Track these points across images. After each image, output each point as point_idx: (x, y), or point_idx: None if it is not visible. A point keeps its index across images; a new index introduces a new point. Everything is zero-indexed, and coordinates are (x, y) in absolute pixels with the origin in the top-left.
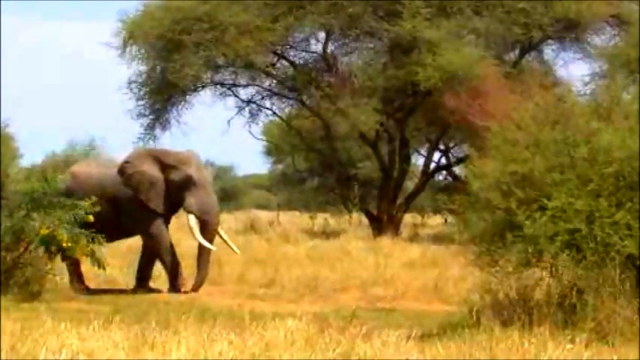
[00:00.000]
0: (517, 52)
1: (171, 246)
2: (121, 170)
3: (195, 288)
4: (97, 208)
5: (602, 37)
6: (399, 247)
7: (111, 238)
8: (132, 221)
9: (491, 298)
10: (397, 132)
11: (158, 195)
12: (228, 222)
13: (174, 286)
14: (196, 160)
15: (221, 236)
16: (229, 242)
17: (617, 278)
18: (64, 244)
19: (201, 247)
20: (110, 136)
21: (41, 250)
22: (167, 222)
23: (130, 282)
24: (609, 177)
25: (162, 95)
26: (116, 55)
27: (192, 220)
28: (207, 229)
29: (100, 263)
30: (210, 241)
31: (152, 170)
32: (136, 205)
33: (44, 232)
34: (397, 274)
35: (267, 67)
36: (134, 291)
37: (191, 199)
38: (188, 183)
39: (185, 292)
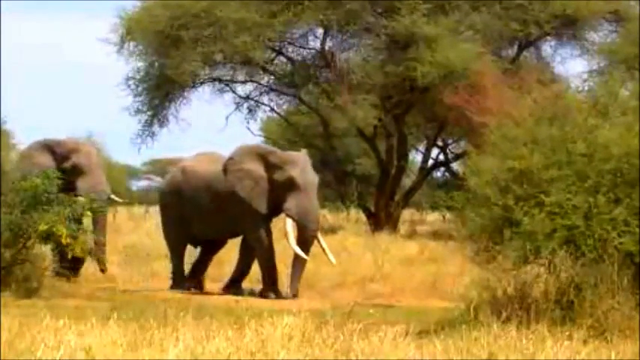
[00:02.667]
0: (515, 48)
1: (271, 248)
2: (225, 167)
3: (294, 292)
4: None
5: (600, 33)
6: (397, 244)
7: (216, 235)
8: (234, 219)
9: (489, 295)
10: (395, 128)
11: (261, 194)
12: None
13: (268, 291)
14: (303, 162)
15: (320, 244)
16: (327, 251)
17: (615, 275)
18: (64, 241)
19: (295, 254)
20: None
21: (43, 247)
22: (269, 223)
23: (128, 279)
24: (607, 173)
25: (160, 91)
26: (114, 51)
27: (289, 224)
28: (305, 235)
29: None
30: (307, 248)
31: (256, 168)
32: (238, 204)
33: (43, 228)
34: (395, 271)
35: (265, 63)
36: (226, 291)
37: (291, 202)
38: (290, 185)
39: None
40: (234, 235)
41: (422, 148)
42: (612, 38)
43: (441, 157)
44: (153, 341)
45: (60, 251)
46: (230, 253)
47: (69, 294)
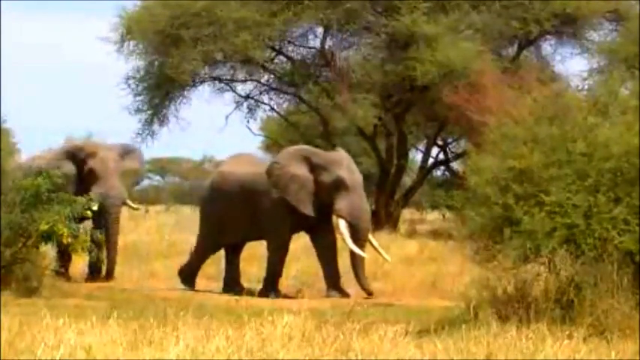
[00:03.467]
0: (515, 47)
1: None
2: (269, 170)
3: (369, 291)
4: (94, 206)
5: (600, 32)
6: (397, 243)
7: (247, 238)
8: (266, 224)
9: (489, 294)
10: (395, 127)
11: (307, 197)
12: None
13: (268, 290)
14: (347, 162)
15: (372, 243)
16: (380, 249)
17: (615, 274)
18: (64, 240)
19: (352, 254)
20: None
21: (43, 246)
22: (321, 225)
23: (127, 278)
24: (607, 172)
25: (160, 90)
26: (114, 50)
27: (343, 225)
28: (358, 234)
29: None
30: (362, 248)
31: (301, 171)
32: (273, 207)
33: (44, 227)
34: (395, 270)
35: (265, 62)
36: (265, 292)
37: (341, 203)
38: (339, 185)
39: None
40: (260, 238)
41: (422, 147)
42: (612, 37)
43: (441, 156)
44: (153, 340)
45: (59, 251)
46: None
47: (69, 293)
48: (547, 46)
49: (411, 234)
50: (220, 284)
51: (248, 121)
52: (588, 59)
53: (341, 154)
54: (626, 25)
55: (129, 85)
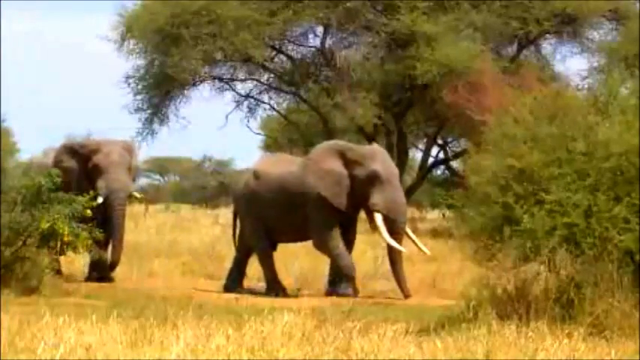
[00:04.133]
0: (515, 46)
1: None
2: (304, 168)
3: (407, 292)
4: (99, 199)
5: (600, 31)
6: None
7: (293, 239)
8: (311, 220)
9: (489, 293)
10: (395, 126)
11: (343, 192)
12: (226, 216)
13: (348, 287)
14: (382, 155)
15: (409, 236)
16: (418, 242)
17: (614, 273)
18: (65, 239)
19: (390, 248)
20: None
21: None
22: (351, 221)
23: (127, 277)
24: (607, 171)
25: (160, 89)
26: (114, 48)
27: (379, 219)
28: (394, 228)
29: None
30: (399, 242)
31: (336, 166)
32: (317, 204)
33: (44, 226)
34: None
35: (265, 61)
36: (350, 292)
37: (377, 197)
38: (374, 179)
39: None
40: (306, 238)
41: (422, 146)
42: (612, 36)
43: (441, 155)
44: (153, 339)
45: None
46: (230, 250)
47: (69, 292)
48: (547, 46)
49: (412, 232)
50: (219, 282)
51: (248, 120)
52: (588, 58)
53: (375, 148)
54: (626, 24)
55: (129, 84)
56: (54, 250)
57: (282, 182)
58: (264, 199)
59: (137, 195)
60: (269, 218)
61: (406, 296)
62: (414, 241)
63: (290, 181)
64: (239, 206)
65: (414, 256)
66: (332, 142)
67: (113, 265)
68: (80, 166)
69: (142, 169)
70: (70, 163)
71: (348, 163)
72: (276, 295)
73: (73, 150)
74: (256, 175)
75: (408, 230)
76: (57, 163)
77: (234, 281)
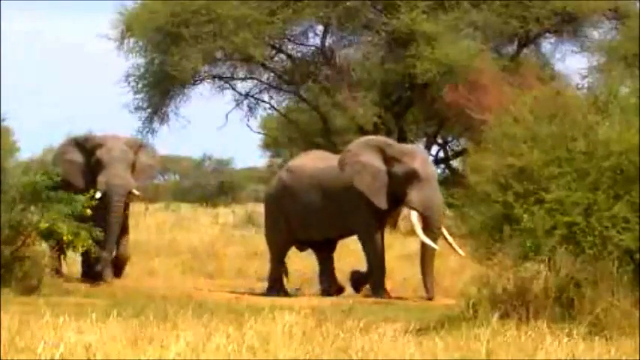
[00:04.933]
0: (515, 45)
1: (383, 246)
2: (342, 161)
3: (431, 294)
4: (98, 194)
5: (600, 30)
6: (397, 241)
7: (325, 235)
8: (345, 216)
9: (489, 292)
10: (395, 125)
11: (380, 188)
12: (225, 215)
13: (379, 292)
14: (422, 154)
15: (445, 237)
16: (453, 243)
17: (614, 272)
18: (65, 238)
19: (423, 246)
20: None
21: (42, 244)
22: (386, 218)
23: (127, 276)
24: (607, 170)
25: (160, 88)
26: (114, 47)
27: (415, 216)
28: (430, 227)
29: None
30: (434, 240)
31: (374, 161)
32: (352, 198)
33: (44, 225)
34: (395, 268)
35: (265, 60)
36: (374, 293)
37: (414, 195)
38: (412, 177)
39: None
40: (344, 235)
41: (422, 145)
42: (612, 35)
43: (441, 154)
44: (153, 338)
45: (57, 249)
46: (230, 249)
47: (69, 291)
48: (547, 45)
49: (411, 231)
50: (219, 281)
51: (248, 119)
52: (588, 57)
53: (415, 146)
54: (626, 23)
55: (129, 83)
56: (55, 248)
57: (317, 176)
58: (298, 194)
59: (136, 192)
60: (300, 214)
61: (428, 298)
62: (449, 243)
63: (326, 174)
64: (267, 203)
65: (413, 254)
66: (372, 137)
67: (119, 264)
68: (85, 159)
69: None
70: (74, 155)
71: (387, 159)
72: (277, 295)
73: (78, 143)
74: (290, 170)
75: (444, 231)
76: (61, 155)
77: (279, 282)
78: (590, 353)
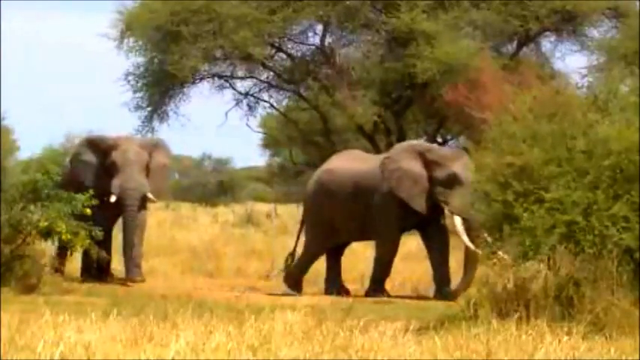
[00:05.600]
0: (515, 44)
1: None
2: (383, 166)
3: (465, 288)
4: (112, 198)
5: (600, 29)
6: None
7: (356, 237)
8: (380, 219)
9: (489, 291)
10: (395, 124)
11: (420, 193)
12: (225, 215)
13: (377, 292)
14: (463, 158)
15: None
16: (465, 238)
17: (614, 271)
18: (64, 237)
19: (467, 251)
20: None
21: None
22: (426, 222)
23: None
24: (607, 169)
25: (160, 87)
26: (114, 46)
27: (458, 221)
28: (472, 230)
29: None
30: (476, 245)
31: (415, 167)
32: (388, 203)
33: (43, 224)
34: (395, 267)
35: (264, 59)
36: (373, 290)
37: (456, 199)
38: (453, 181)
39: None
40: (370, 238)
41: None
42: (612, 34)
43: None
44: (153, 337)
45: (59, 248)
46: (230, 248)
47: (68, 290)
48: (547, 43)
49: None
50: (219, 280)
51: (248, 118)
52: (588, 56)
53: (456, 150)
54: (626, 22)
55: (128, 82)
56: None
57: (356, 178)
58: (336, 195)
59: (151, 197)
60: (336, 215)
61: (456, 295)
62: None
63: (365, 177)
64: (305, 203)
65: (414, 253)
66: (413, 142)
67: (129, 271)
68: (99, 160)
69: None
70: (89, 156)
71: (428, 164)
72: (331, 294)
73: (94, 144)
74: (329, 170)
75: (458, 225)
76: (76, 156)
77: (334, 282)
78: (589, 352)
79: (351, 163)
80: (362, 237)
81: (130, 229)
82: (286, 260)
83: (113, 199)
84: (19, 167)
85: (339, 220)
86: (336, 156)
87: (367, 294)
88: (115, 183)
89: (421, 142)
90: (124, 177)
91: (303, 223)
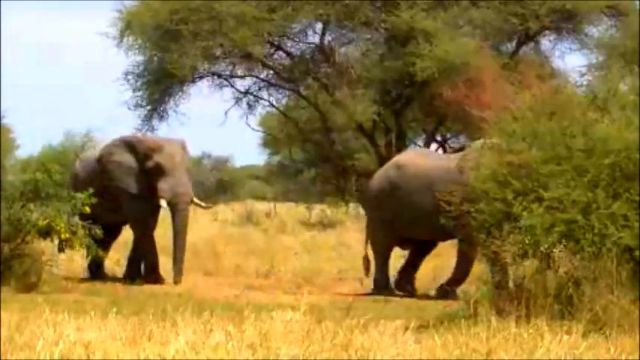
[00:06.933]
0: (514, 42)
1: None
2: (460, 165)
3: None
4: (164, 203)
5: (600, 28)
6: None
7: (423, 235)
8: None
9: (489, 290)
10: (394, 123)
11: None
12: (224, 213)
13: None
14: None
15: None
16: None
17: (613, 269)
18: (63, 236)
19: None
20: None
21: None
22: None
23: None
24: (606, 168)
25: (159, 86)
26: (113, 45)
27: None
28: None
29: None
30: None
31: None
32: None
33: (42, 223)
34: (394, 266)
35: (264, 57)
36: (438, 295)
37: None
38: None
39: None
40: (447, 237)
41: (421, 142)
42: (611, 33)
43: (440, 151)
44: (153, 335)
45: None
46: (229, 246)
47: (68, 289)
48: (546, 42)
49: None
50: (218, 279)
51: (247, 117)
52: (587, 55)
53: None
54: (626, 20)
55: (128, 81)
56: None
57: (429, 175)
58: (405, 190)
59: (197, 201)
60: (407, 211)
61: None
62: None
63: (440, 175)
64: (370, 200)
65: None
66: (489, 140)
67: (176, 281)
68: (137, 161)
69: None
70: (124, 157)
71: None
72: (380, 294)
73: (129, 144)
74: (399, 165)
75: None
76: (108, 156)
77: (386, 281)
78: (589, 351)
79: (422, 159)
80: (426, 235)
81: (182, 233)
82: (364, 264)
83: (164, 203)
84: (19, 166)
85: (410, 217)
86: (404, 153)
87: (442, 295)
88: (164, 186)
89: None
90: (174, 181)
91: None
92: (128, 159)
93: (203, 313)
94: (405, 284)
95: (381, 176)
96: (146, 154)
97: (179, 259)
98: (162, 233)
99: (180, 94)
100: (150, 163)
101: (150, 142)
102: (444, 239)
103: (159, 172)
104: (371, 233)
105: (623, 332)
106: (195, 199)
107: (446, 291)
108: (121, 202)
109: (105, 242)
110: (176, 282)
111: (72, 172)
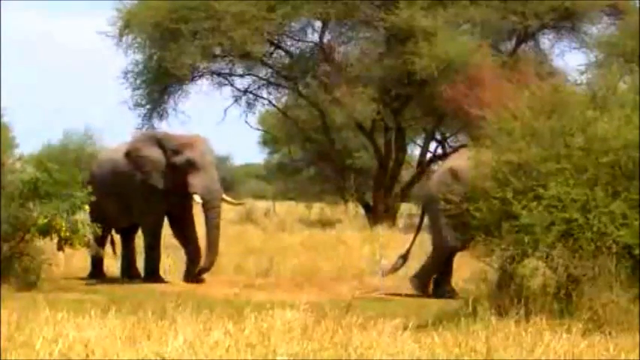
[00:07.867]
0: (513, 41)
1: None
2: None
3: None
4: (93, 198)
5: (599, 26)
6: (395, 237)
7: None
8: None
9: (488, 288)
10: (393, 122)
11: None
12: (224, 212)
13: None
14: None
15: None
16: None
17: (613, 268)
18: (63, 234)
19: None
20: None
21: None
22: None
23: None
24: (605, 166)
25: (159, 85)
26: (113, 44)
27: None
28: None
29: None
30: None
31: None
32: None
33: (42, 221)
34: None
35: (263, 56)
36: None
37: None
38: None
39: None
40: None
41: (420, 141)
42: (611, 31)
43: (440, 150)
44: (152, 334)
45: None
46: (228, 245)
47: (68, 287)
48: (545, 41)
49: (409, 228)
50: (218, 277)
51: (246, 116)
52: (587, 53)
53: None
54: (625, 19)
55: (127, 80)
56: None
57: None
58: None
59: (227, 198)
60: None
61: None
62: None
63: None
64: (431, 206)
65: (412, 251)
66: None
67: (203, 271)
68: (164, 157)
69: None
70: (151, 152)
71: None
72: (441, 297)
73: (157, 140)
74: (454, 173)
75: None
76: (134, 151)
77: (446, 283)
78: (589, 349)
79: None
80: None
81: (215, 229)
82: (402, 259)
83: (198, 199)
84: (18, 164)
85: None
86: (457, 155)
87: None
88: (197, 183)
89: None
90: (207, 178)
91: (420, 224)
92: (157, 154)
93: (202, 312)
94: (445, 286)
95: (437, 181)
96: (176, 149)
97: (213, 252)
98: (163, 233)
99: (179, 92)
100: (180, 159)
101: (181, 138)
102: None
103: (190, 168)
104: (436, 237)
105: (623, 330)
106: (225, 196)
107: (444, 290)
108: (133, 202)
109: (127, 241)
110: (203, 271)
111: (89, 173)
